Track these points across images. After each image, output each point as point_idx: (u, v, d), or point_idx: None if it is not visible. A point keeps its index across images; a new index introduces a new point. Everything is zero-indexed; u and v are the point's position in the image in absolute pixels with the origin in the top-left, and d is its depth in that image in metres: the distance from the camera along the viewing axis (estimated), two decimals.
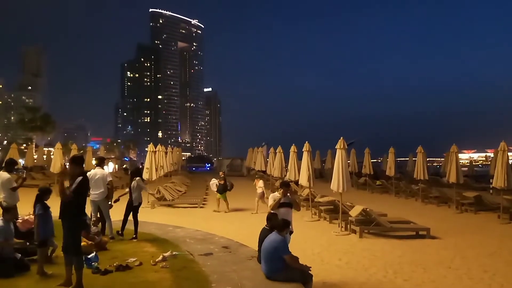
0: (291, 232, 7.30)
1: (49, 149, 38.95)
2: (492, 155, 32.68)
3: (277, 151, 21.67)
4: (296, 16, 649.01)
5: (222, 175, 16.57)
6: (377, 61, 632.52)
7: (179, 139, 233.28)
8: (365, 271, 7.86)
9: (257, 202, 15.73)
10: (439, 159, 61.00)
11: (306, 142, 15.48)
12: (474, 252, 9.64)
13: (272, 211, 7.36)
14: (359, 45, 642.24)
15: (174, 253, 7.83)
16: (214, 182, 16.47)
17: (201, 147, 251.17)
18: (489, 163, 30.86)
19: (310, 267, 6.36)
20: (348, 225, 11.93)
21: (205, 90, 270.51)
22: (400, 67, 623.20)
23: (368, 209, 11.69)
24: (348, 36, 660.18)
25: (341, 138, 12.56)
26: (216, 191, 16.12)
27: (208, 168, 73.57)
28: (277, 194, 7.64)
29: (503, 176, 13.89)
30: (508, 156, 14.47)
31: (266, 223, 7.10)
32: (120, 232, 9.58)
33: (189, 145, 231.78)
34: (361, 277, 7.48)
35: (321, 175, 33.17)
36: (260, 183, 16.28)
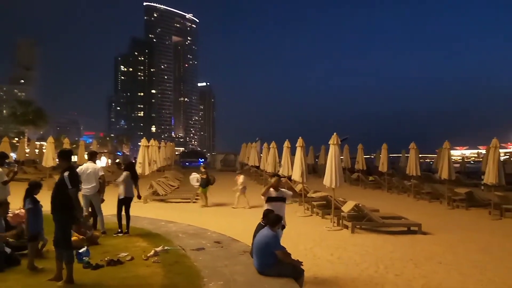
0: (284, 227, 7.29)
1: (41, 143, 38.65)
2: (484, 152, 32.96)
3: (270, 146, 21.64)
4: (291, 12, 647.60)
5: (204, 170, 16.46)
6: (370, 58, 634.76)
7: (173, 133, 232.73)
8: (357, 266, 7.90)
9: (245, 196, 15.77)
10: (431, 155, 61.34)
11: (300, 137, 15.44)
12: (465, 247, 9.73)
13: (268, 208, 7.28)
14: (352, 42, 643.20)
15: (166, 248, 7.82)
16: (194, 177, 16.21)
17: (194, 142, 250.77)
18: (481, 159, 31.11)
19: (302, 262, 6.36)
20: (341, 221, 11.98)
21: (199, 85, 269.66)
22: (393, 64, 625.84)
23: (360, 205, 11.76)
24: (341, 32, 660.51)
25: (335, 134, 12.57)
26: (199, 185, 16.00)
27: (201, 163, 73.38)
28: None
29: (494, 173, 14.03)
30: (499, 153, 14.60)
31: (262, 219, 7.05)
32: (119, 231, 9.37)
33: (182, 140, 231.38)
34: (353, 272, 7.52)
35: (314, 170, 33.26)
36: (241, 179, 16.16)
